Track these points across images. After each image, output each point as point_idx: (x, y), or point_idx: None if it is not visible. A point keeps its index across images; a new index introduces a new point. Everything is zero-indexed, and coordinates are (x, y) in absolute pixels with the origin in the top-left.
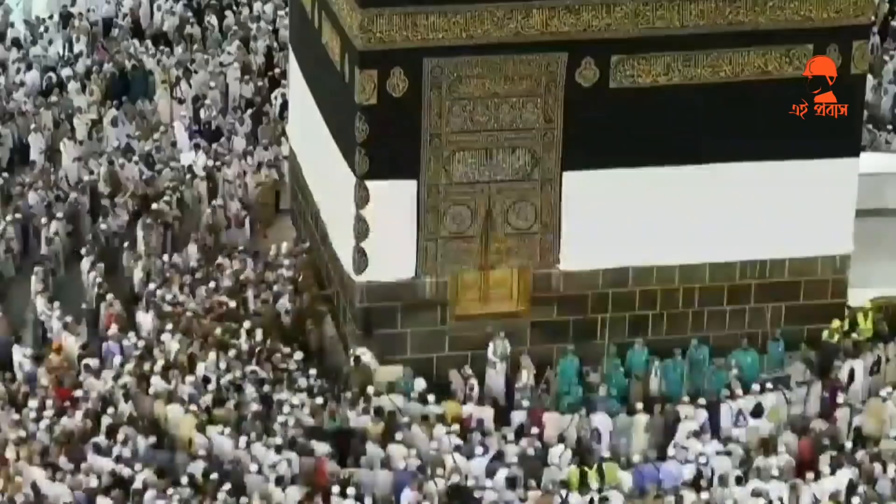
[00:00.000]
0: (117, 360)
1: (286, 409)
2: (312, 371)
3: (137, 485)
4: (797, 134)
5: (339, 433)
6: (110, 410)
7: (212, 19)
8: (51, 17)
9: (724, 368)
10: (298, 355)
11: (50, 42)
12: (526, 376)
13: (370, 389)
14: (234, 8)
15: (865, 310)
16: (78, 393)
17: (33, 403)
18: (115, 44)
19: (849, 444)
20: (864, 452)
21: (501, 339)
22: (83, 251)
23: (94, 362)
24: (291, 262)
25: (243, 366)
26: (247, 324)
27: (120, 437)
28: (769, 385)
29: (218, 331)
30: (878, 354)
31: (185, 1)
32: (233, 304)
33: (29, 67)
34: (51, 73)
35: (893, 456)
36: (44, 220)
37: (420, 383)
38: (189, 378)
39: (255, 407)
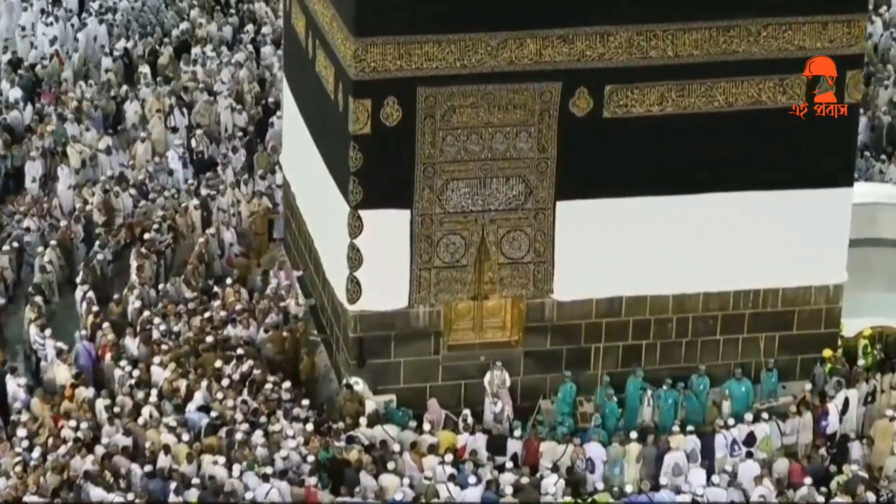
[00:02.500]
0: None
1: (279, 438)
2: (305, 402)
3: None
4: (791, 163)
5: (333, 463)
6: (105, 440)
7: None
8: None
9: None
10: (287, 385)
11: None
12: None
13: (362, 420)
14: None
15: (862, 339)
16: (72, 423)
17: (22, 433)
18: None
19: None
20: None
21: (499, 370)
22: (77, 280)
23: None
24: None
25: (235, 395)
26: (238, 353)
27: (114, 465)
28: (764, 415)
29: (218, 362)
30: (874, 384)
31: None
32: (225, 333)
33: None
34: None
35: None
36: (39, 249)
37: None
38: (189, 406)
39: (240, 437)
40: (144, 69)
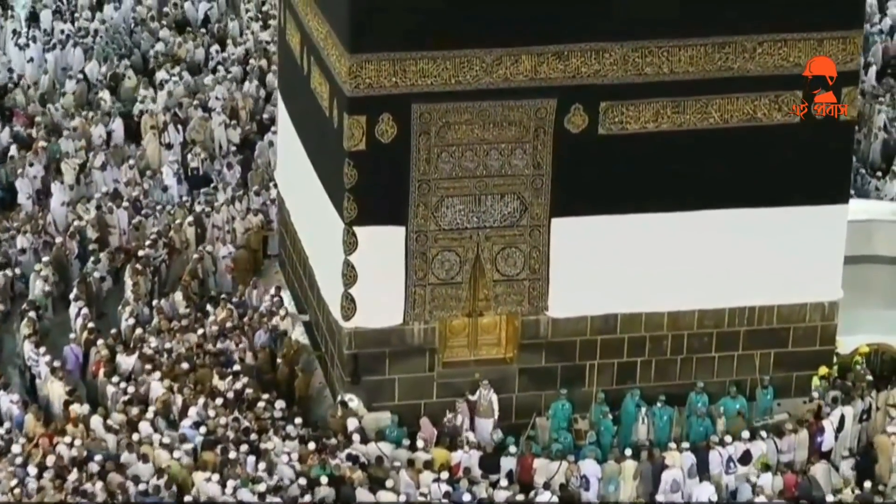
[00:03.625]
0: None
1: (274, 456)
2: (299, 420)
3: None
4: (786, 180)
5: (330, 480)
6: (98, 458)
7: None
8: None
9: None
10: (280, 404)
11: None
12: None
13: (356, 437)
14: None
15: (858, 356)
16: (66, 439)
17: (17, 449)
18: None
19: (830, 498)
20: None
21: (487, 389)
22: (71, 296)
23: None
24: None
25: (227, 413)
26: (232, 370)
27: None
28: (760, 433)
29: (214, 378)
30: (869, 401)
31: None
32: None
33: None
34: None
35: None
36: (37, 266)
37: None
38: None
39: (232, 454)
40: (104, 94)
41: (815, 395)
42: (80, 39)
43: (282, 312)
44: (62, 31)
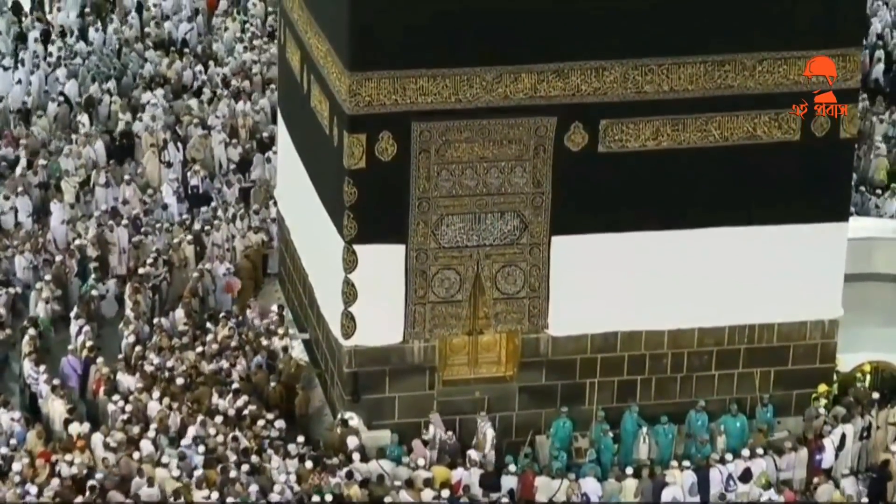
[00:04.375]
0: None
1: (275, 475)
2: (300, 438)
3: None
4: (786, 198)
5: (334, 499)
6: (98, 475)
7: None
8: None
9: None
10: (280, 423)
11: None
12: (489, 439)
13: (356, 455)
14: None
15: (859, 373)
16: (68, 457)
17: (17, 467)
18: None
19: None
20: None
21: (483, 420)
22: (72, 314)
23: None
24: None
25: (227, 432)
26: (231, 389)
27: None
28: (759, 450)
29: (214, 397)
30: (869, 420)
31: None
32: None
33: None
34: None
35: None
36: (39, 285)
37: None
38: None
39: (233, 473)
40: (82, 117)
41: (822, 411)
42: (69, 61)
43: (280, 332)
44: (50, 54)
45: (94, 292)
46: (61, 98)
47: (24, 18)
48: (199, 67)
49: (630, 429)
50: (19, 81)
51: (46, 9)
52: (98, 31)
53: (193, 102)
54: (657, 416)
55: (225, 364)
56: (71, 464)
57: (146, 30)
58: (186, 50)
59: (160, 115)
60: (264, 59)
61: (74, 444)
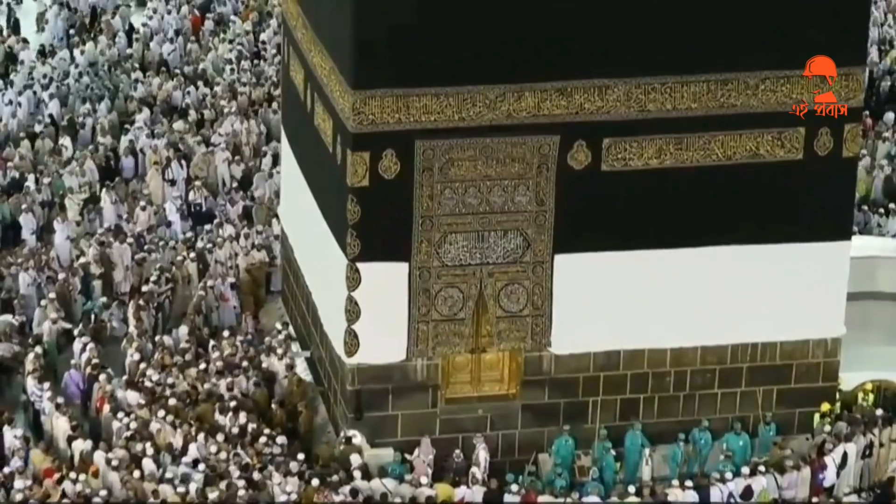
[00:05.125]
0: None
1: (276, 492)
2: (301, 456)
3: None
4: (789, 217)
5: None
6: (103, 493)
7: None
8: None
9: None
10: (281, 440)
11: None
12: (482, 461)
13: (357, 473)
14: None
15: (862, 392)
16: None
17: (20, 484)
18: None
19: None
20: None
21: (478, 441)
22: (75, 332)
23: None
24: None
25: (229, 449)
26: (232, 406)
27: None
28: (761, 468)
29: (217, 413)
30: (871, 438)
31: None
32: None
33: None
34: None
35: None
36: (43, 302)
37: None
38: (184, 459)
39: (239, 490)
40: (64, 140)
41: (827, 429)
42: (61, 82)
43: (279, 351)
44: (44, 76)
45: (103, 315)
46: (48, 119)
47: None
48: (191, 88)
49: (633, 448)
50: (10, 102)
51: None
52: (83, 52)
53: (179, 124)
54: (660, 435)
55: (223, 382)
56: (75, 481)
57: (128, 51)
58: (173, 70)
59: (144, 137)
60: (246, 79)
61: (86, 467)
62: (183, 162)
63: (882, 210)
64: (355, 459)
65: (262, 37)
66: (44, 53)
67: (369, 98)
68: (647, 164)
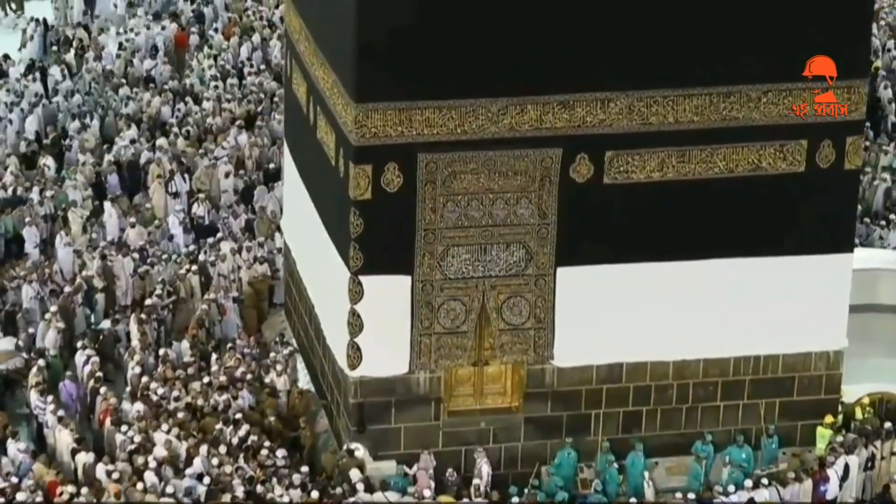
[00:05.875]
0: None
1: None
2: (304, 469)
3: None
4: (791, 230)
5: None
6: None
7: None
8: None
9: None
10: (282, 452)
11: None
12: (484, 475)
13: (360, 486)
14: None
15: (863, 404)
16: (70, 489)
17: (22, 497)
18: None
19: None
20: None
21: (480, 455)
22: (78, 345)
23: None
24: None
25: (232, 462)
26: (235, 419)
27: None
28: (763, 481)
29: (218, 426)
30: (873, 451)
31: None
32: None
33: None
34: None
35: None
36: (48, 315)
37: None
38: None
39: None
40: (46, 160)
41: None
42: (48, 101)
43: (279, 368)
44: (35, 94)
45: (114, 328)
46: (32, 138)
47: None
48: (181, 105)
49: (635, 470)
50: (0, 119)
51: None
52: (64, 69)
53: (162, 141)
54: (663, 446)
55: (223, 398)
56: (77, 494)
57: (109, 67)
58: (160, 86)
59: (128, 154)
60: (231, 95)
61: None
62: (186, 175)
63: (883, 222)
64: (355, 475)
65: (242, 52)
66: (32, 70)
67: (372, 111)
68: (649, 177)
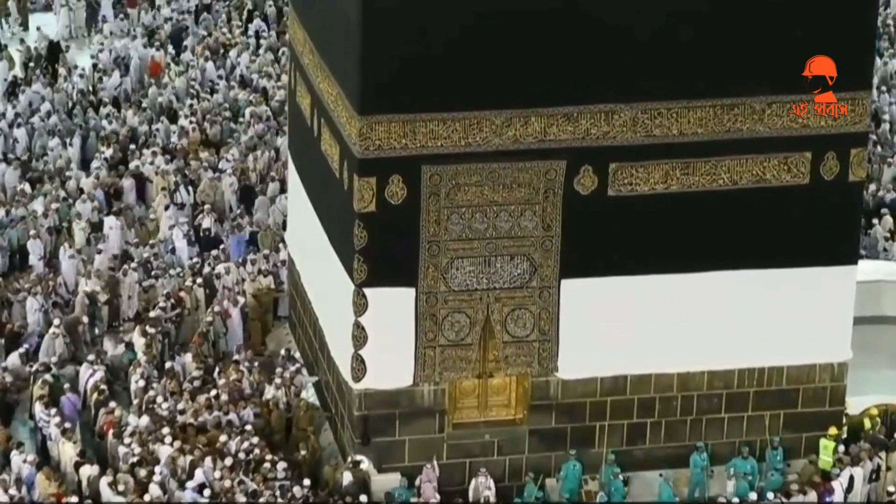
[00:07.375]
0: None
1: None
2: (307, 482)
3: None
4: (795, 241)
5: None
6: None
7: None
8: None
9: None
10: (283, 465)
11: None
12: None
13: (363, 498)
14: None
15: (871, 415)
16: (73, 500)
17: None
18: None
19: None
20: None
21: (484, 476)
22: (88, 359)
23: None
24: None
25: (234, 477)
26: (238, 432)
27: None
28: (769, 494)
29: (223, 437)
30: (878, 462)
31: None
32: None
33: None
34: None
35: None
36: (53, 329)
37: None
38: (189, 484)
39: None
40: (23, 185)
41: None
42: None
43: (278, 381)
44: (16, 114)
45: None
46: (12, 156)
47: None
48: (158, 125)
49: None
50: None
51: None
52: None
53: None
54: (668, 458)
55: (228, 416)
56: None
57: (80, 86)
58: (133, 102)
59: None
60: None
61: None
62: (190, 188)
63: (888, 234)
64: (346, 478)
65: (209, 69)
66: (15, 87)
67: (376, 123)
68: (653, 189)
